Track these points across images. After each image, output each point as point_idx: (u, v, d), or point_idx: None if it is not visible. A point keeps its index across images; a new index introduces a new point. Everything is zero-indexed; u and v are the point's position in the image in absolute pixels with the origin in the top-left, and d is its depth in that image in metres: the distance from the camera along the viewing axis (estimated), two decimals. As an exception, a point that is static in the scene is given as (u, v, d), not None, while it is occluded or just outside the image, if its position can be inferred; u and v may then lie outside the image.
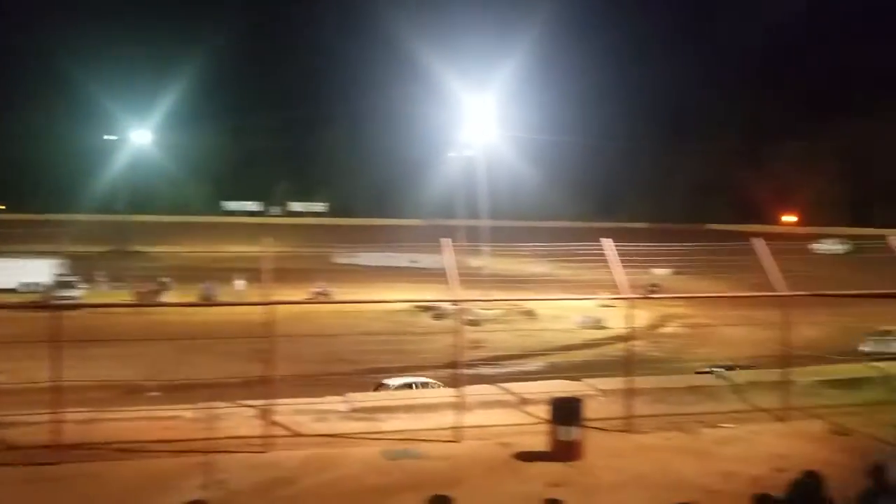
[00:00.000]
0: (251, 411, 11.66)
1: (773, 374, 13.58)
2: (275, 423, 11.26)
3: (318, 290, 29.79)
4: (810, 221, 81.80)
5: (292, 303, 15.33)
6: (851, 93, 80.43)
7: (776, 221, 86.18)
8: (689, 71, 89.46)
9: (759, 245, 13.13)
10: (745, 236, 14.18)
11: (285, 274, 18.98)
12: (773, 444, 11.26)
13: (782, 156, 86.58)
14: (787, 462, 9.94)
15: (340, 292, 25.04)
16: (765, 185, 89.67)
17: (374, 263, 23.46)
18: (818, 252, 42.18)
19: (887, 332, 24.09)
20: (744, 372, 14.84)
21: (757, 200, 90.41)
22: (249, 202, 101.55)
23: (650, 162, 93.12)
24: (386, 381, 16.96)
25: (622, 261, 12.91)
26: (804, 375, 13.74)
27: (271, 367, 11.16)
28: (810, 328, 23.35)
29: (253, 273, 15.59)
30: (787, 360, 12.95)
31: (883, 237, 14.08)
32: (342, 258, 28.09)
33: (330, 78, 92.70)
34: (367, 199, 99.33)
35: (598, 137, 79.47)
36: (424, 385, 16.46)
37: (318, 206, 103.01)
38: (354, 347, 18.35)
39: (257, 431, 10.99)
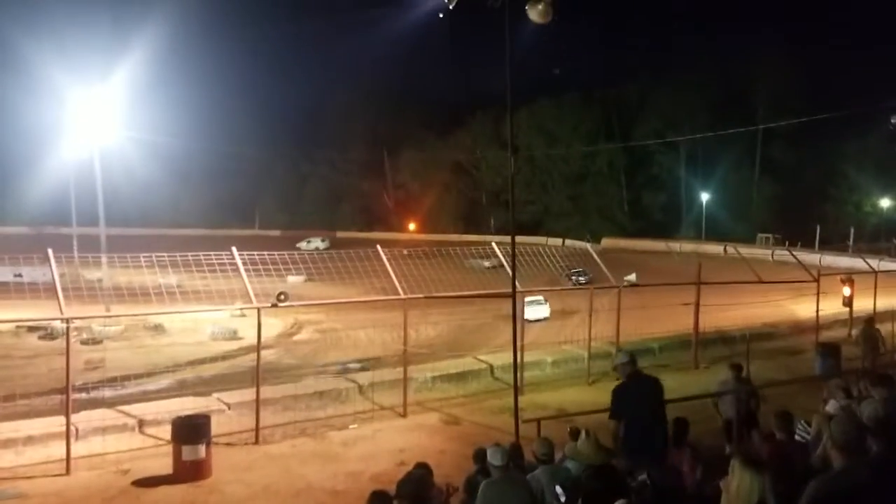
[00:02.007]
0: None
1: (395, 373, 14.43)
2: None
3: None
4: (430, 229, 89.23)
5: None
6: (462, 110, 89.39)
7: (403, 229, 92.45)
8: (322, 80, 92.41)
9: (382, 252, 13.99)
10: (373, 243, 15.00)
11: None
12: (396, 440, 11.93)
13: (405, 167, 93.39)
14: (408, 455, 10.60)
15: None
16: (389, 195, 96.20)
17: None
18: (302, 249, 46.09)
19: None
20: (368, 372, 15.53)
21: (382, 209, 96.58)
22: None
23: (285, 170, 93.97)
24: None
25: (255, 269, 12.79)
26: (421, 372, 14.79)
27: None
28: (429, 327, 25.39)
29: None
30: (406, 358, 13.87)
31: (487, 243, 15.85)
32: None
33: None
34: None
35: (233, 143, 77.92)
36: None
37: None
38: (-65, 378, 15.58)
39: None
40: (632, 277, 17.42)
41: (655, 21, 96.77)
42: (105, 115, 36.57)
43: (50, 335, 24.47)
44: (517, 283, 11.68)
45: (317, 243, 67.91)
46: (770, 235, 65.62)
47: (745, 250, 38.73)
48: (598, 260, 17.07)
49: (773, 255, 46.81)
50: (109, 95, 37.60)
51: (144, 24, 60.55)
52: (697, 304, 17.55)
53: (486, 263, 25.90)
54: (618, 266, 17.48)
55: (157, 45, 58.55)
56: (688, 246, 59.16)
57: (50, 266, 11.08)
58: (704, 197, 75.92)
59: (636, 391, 8.17)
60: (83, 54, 47.24)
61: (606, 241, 70.92)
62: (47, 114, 46.62)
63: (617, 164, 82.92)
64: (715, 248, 55.29)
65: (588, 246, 19.98)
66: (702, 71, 75.66)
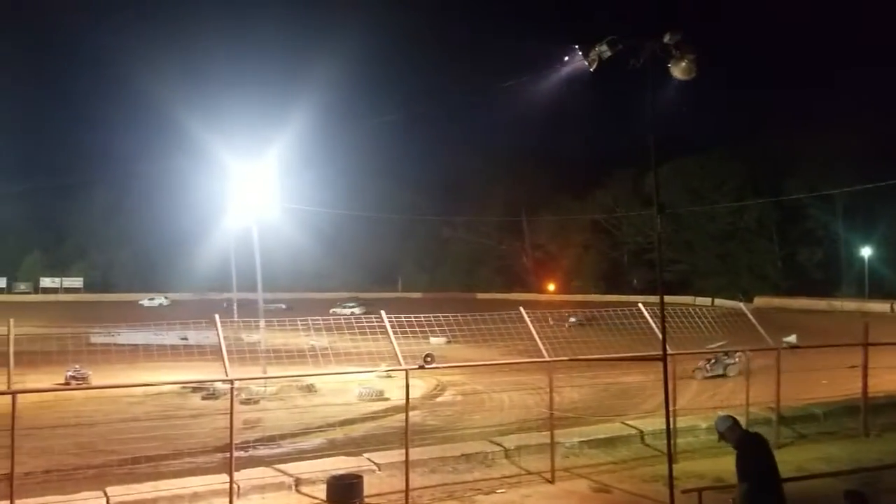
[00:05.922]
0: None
1: (540, 437, 14.22)
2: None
3: (72, 373, 27.16)
4: (569, 289, 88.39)
5: (39, 391, 13.84)
6: (599, 169, 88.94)
7: (542, 290, 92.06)
8: (460, 147, 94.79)
9: (524, 313, 13.98)
10: (513, 304, 15.03)
11: (33, 358, 17.21)
12: (543, 506, 11.70)
13: (542, 228, 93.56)
14: (557, 522, 10.34)
15: (99, 375, 23.05)
16: (528, 256, 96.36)
17: (137, 342, 21.80)
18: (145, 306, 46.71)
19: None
20: (513, 436, 15.37)
21: (521, 270, 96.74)
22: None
23: (425, 234, 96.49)
24: None
25: (400, 331, 13.08)
26: (568, 436, 14.49)
27: (13, 462, 9.87)
28: (573, 390, 24.94)
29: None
30: (552, 422, 13.65)
31: (633, 304, 15.52)
32: (101, 337, 25.83)
33: (88, 145, 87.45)
34: (130, 272, 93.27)
35: (376, 210, 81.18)
36: None
37: (74, 281, 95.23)
38: (114, 436, 16.84)
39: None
40: (791, 339, 16.34)
41: (798, 70, 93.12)
42: (262, 189, 39.04)
43: (212, 395, 25.98)
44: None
45: (160, 300, 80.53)
46: (944, 292, 60.41)
47: (917, 308, 35.72)
48: (754, 320, 16.27)
49: (948, 313, 42.92)
50: (265, 170, 40.19)
51: (295, 104, 64.81)
52: (865, 367, 16.32)
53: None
54: (773, 326, 16.55)
55: (307, 121, 62.33)
56: (850, 304, 55.42)
57: (217, 331, 11.77)
58: (866, 252, 71.09)
59: (759, 448, 8.17)
60: (242, 135, 50.93)
61: (759, 300, 67.60)
62: (207, 189, 50.44)
63: (767, 219, 79.49)
64: (881, 307, 51.51)
65: (741, 305, 19.10)
66: (852, 119, 71.80)
